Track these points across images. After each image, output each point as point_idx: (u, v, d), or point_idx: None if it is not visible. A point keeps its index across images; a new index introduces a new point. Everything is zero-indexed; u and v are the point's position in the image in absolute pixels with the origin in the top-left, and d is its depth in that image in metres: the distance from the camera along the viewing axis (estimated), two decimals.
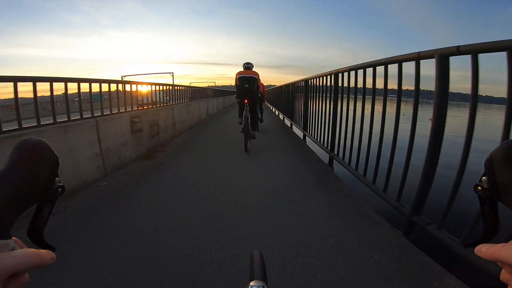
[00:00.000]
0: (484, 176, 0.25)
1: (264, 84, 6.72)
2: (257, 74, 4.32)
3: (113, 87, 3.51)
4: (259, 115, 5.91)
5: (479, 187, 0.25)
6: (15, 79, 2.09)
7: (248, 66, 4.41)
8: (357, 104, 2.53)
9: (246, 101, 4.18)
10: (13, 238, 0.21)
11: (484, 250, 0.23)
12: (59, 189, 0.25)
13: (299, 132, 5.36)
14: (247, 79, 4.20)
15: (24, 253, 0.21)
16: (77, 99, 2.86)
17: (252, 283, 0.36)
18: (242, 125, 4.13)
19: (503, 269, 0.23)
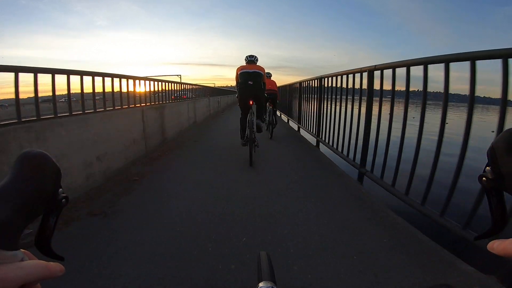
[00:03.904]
0: (488, 166, 0.24)
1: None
2: (263, 69, 3.52)
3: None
4: (274, 120, 5.06)
5: (483, 178, 0.25)
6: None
7: (252, 60, 3.58)
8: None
9: (251, 102, 3.38)
10: (21, 250, 0.21)
11: (496, 245, 0.23)
12: (63, 200, 0.25)
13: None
14: (252, 74, 3.35)
15: (32, 264, 0.21)
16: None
17: (261, 284, 0.36)
18: (246, 133, 3.26)
19: None
